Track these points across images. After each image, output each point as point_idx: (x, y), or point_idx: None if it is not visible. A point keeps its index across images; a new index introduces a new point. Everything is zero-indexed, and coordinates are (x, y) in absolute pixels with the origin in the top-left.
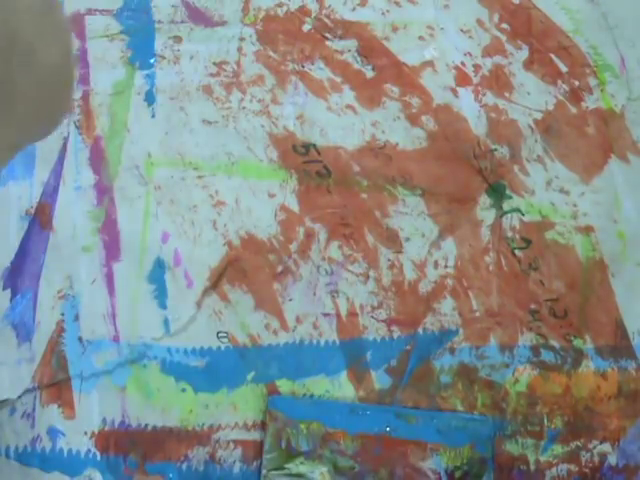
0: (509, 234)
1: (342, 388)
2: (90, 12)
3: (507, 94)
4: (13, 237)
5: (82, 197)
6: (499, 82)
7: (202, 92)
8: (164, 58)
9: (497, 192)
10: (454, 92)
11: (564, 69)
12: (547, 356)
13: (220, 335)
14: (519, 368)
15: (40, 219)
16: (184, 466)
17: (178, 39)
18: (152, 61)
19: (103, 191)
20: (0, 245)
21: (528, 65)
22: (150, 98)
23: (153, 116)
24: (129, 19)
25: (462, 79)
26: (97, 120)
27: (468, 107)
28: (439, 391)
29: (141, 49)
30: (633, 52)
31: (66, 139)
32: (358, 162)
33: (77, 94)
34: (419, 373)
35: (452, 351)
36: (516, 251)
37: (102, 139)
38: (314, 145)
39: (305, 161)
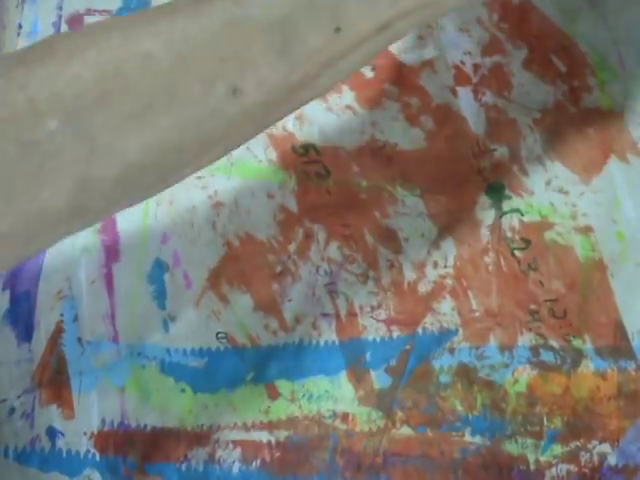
0: (508, 234)
1: (341, 388)
2: (89, 12)
3: (506, 93)
4: None
5: None
6: (498, 81)
7: None
8: None
9: (496, 192)
10: (453, 92)
11: (563, 69)
12: (546, 356)
13: (219, 336)
14: (518, 368)
15: None
16: (183, 466)
17: None
18: None
19: None
20: None
21: (527, 64)
22: None
23: None
24: None
25: (461, 78)
26: None
27: (467, 106)
28: (439, 391)
29: None
30: (632, 52)
31: None
32: (357, 162)
33: None
34: (419, 373)
35: (452, 351)
36: (515, 252)
37: None
38: (313, 145)
39: (304, 162)
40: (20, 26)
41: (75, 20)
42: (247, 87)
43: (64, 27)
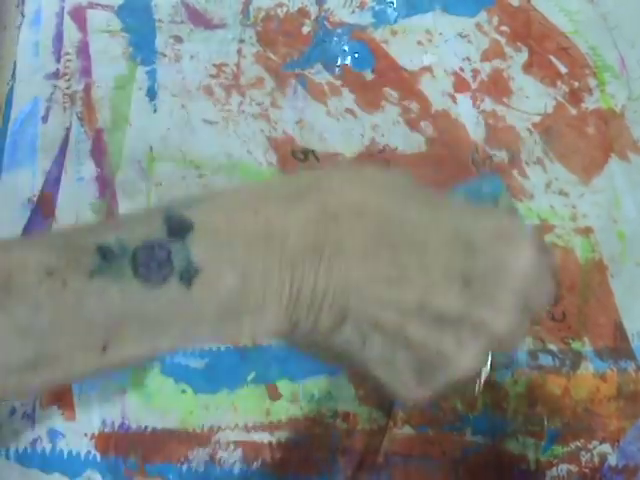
0: None
1: (342, 388)
2: (91, 6)
3: (505, 99)
4: (16, 225)
5: (84, 188)
6: (497, 87)
7: (202, 92)
8: (165, 56)
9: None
10: (452, 98)
11: (564, 70)
12: (545, 360)
13: None
14: (517, 370)
15: (43, 208)
16: (184, 467)
17: (178, 39)
18: (154, 58)
19: (105, 184)
20: (2, 233)
21: (527, 68)
22: (152, 93)
23: (155, 111)
24: (130, 16)
25: (460, 85)
26: (99, 113)
27: (466, 113)
28: None
29: (142, 46)
30: (633, 52)
31: (68, 129)
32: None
33: (79, 86)
34: None
35: None
36: None
37: (104, 132)
38: (313, 152)
39: (305, 167)
40: (23, 15)
41: (77, 12)
42: None
43: (66, 18)
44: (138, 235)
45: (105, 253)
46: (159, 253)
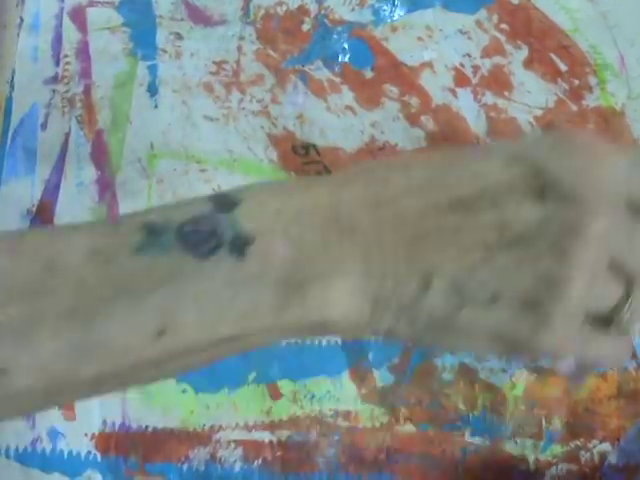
0: None
1: (344, 388)
2: (91, 4)
3: (507, 93)
4: None
5: (84, 193)
6: (498, 82)
7: (203, 89)
8: (166, 52)
9: None
10: (453, 93)
11: (564, 68)
12: (544, 361)
13: None
14: (516, 373)
15: (42, 218)
16: (185, 466)
17: (179, 36)
18: (154, 54)
19: (105, 186)
20: None
21: (528, 64)
22: (153, 89)
23: (156, 107)
24: (131, 12)
25: (461, 80)
26: (99, 114)
27: (467, 107)
28: (442, 388)
29: (143, 41)
30: (632, 51)
31: (67, 135)
32: (357, 163)
33: (79, 88)
34: (421, 370)
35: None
36: None
37: (104, 132)
38: (314, 146)
39: (305, 162)
40: (22, 19)
41: (77, 12)
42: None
43: (66, 19)
44: (183, 211)
45: (151, 229)
46: (206, 224)
